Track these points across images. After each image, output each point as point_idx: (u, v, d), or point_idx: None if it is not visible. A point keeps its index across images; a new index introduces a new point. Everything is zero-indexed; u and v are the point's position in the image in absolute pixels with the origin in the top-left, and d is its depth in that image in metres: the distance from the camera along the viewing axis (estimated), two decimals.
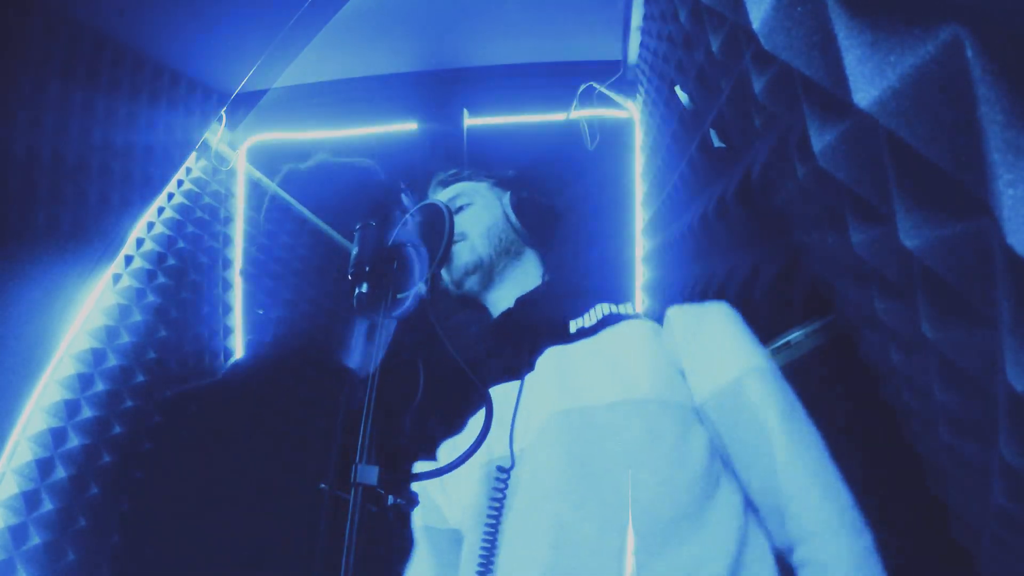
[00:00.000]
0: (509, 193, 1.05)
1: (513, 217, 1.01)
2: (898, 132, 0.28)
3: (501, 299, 0.97)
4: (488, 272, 0.97)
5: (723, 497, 0.65)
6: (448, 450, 0.87)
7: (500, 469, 0.73)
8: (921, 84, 0.27)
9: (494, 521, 0.70)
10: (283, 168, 0.87)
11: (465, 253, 0.96)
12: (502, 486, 0.72)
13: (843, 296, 0.54)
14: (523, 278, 0.99)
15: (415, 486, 0.65)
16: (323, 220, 0.78)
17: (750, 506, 0.66)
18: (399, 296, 0.71)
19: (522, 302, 0.95)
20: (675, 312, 0.76)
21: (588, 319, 0.82)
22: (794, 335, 0.67)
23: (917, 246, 0.31)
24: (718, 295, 0.87)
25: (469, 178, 1.12)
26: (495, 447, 0.77)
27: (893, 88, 0.28)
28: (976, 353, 0.33)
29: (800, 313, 0.66)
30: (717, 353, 0.71)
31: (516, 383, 0.81)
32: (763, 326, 0.73)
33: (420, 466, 0.87)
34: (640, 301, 1.56)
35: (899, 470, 0.59)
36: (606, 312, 0.82)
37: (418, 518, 0.81)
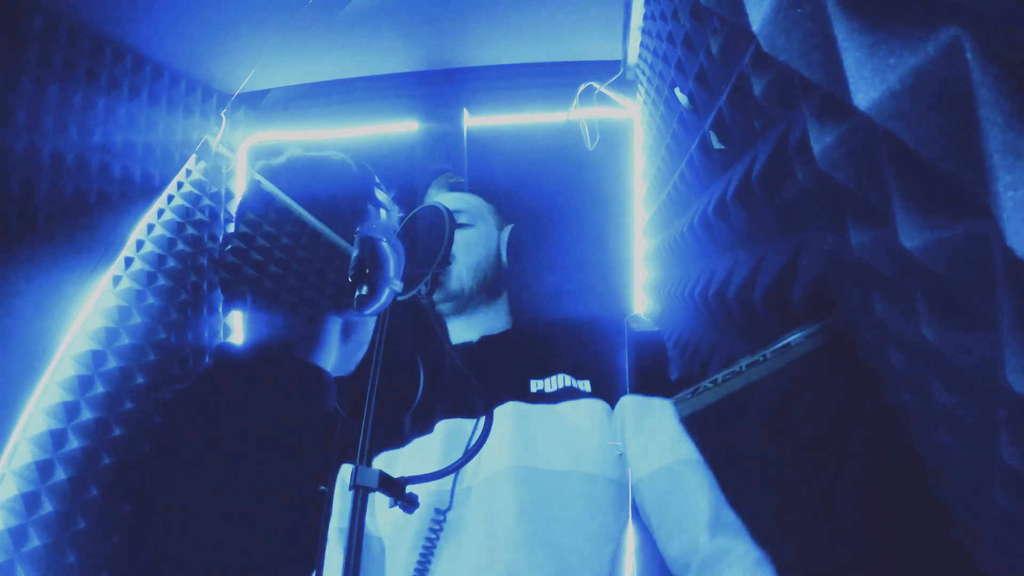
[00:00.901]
0: (511, 228, 1.06)
1: (505, 255, 1.02)
2: (898, 134, 0.28)
3: (464, 329, 1.00)
4: (464, 303, 0.99)
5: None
6: (384, 462, 0.87)
7: (437, 511, 0.78)
8: (921, 86, 0.27)
9: (426, 555, 0.76)
10: (256, 164, 0.87)
11: (452, 280, 0.98)
12: (437, 527, 0.77)
13: (843, 297, 0.54)
14: (491, 318, 1.02)
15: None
16: (296, 216, 0.77)
17: None
18: (373, 291, 0.70)
19: (486, 343, 0.97)
20: (628, 401, 0.85)
21: (549, 385, 0.89)
22: (794, 336, 0.67)
23: (917, 247, 0.31)
24: (718, 295, 0.87)
25: (477, 186, 1.14)
26: (437, 483, 0.80)
27: (893, 90, 0.28)
28: (976, 354, 0.33)
29: (800, 314, 0.66)
30: (657, 441, 0.80)
31: (468, 422, 0.84)
32: (763, 326, 0.73)
33: (385, 456, 0.87)
34: (640, 301, 1.56)
35: (899, 470, 0.59)
36: (567, 383, 0.88)
37: (336, 518, 0.81)
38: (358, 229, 0.74)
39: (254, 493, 0.70)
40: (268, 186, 0.79)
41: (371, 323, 0.84)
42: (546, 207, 1.48)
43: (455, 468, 0.76)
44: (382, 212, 0.84)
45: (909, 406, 0.48)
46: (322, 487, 0.64)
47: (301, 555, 0.66)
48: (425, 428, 0.88)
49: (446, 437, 0.84)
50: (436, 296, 0.97)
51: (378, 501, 0.84)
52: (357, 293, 0.71)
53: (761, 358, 0.72)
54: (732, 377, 0.75)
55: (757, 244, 0.78)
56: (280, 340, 0.79)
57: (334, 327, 0.81)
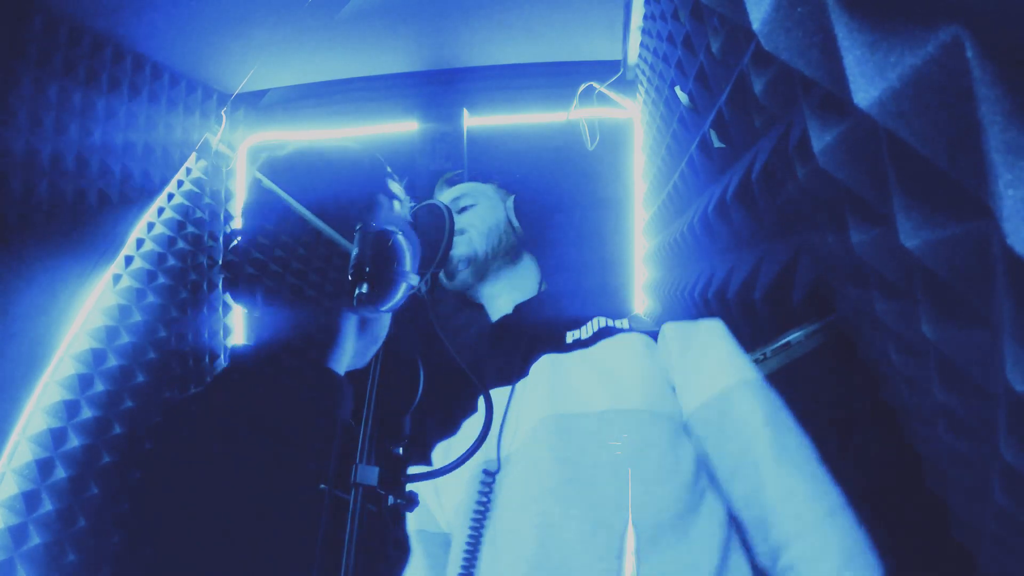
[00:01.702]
0: (513, 197, 1.06)
1: (515, 220, 1.02)
2: (898, 132, 0.28)
3: (497, 299, 0.99)
4: (482, 267, 0.99)
5: (707, 511, 0.66)
6: (442, 452, 0.87)
7: (486, 472, 0.74)
8: (921, 84, 0.27)
9: (478, 524, 0.71)
10: (260, 157, 0.86)
11: (462, 245, 0.98)
12: (487, 489, 0.73)
13: (843, 296, 0.54)
14: (520, 282, 1.00)
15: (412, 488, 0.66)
16: (306, 207, 0.76)
17: (733, 522, 0.66)
18: (390, 285, 0.69)
19: (520, 309, 0.96)
20: (669, 328, 0.78)
21: (585, 331, 0.84)
22: (794, 335, 0.67)
23: (917, 246, 0.31)
24: (718, 295, 0.87)
25: (475, 179, 1.13)
26: (483, 451, 0.77)
27: (893, 88, 0.28)
28: (976, 353, 0.33)
29: (800, 313, 0.66)
30: (706, 367, 0.72)
31: (507, 388, 0.82)
32: (763, 326, 0.73)
33: (441, 446, 0.87)
34: (640, 301, 1.56)
35: (899, 470, 0.59)
36: (602, 325, 0.84)
37: (412, 522, 0.81)
38: (358, 226, 0.74)
39: (264, 499, 0.70)
40: (267, 184, 0.78)
41: (387, 317, 0.83)
42: (546, 207, 1.48)
43: (461, 461, 0.75)
44: (395, 204, 0.83)
45: (909, 405, 0.48)
46: (322, 486, 0.63)
47: (307, 560, 0.66)
48: (470, 409, 0.87)
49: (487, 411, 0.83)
50: (450, 267, 0.97)
51: (440, 493, 0.82)
52: (357, 292, 0.71)
53: (761, 357, 0.72)
54: None
55: (757, 244, 0.78)
56: (295, 338, 0.78)
57: (350, 323, 0.80)
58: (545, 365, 0.81)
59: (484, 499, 0.72)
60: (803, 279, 0.64)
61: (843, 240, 0.43)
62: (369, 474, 0.59)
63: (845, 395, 0.67)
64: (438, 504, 0.83)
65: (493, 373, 0.88)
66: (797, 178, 0.51)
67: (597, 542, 0.63)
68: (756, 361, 0.72)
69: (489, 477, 0.73)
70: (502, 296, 0.98)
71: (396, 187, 0.84)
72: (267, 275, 0.79)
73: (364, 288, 0.69)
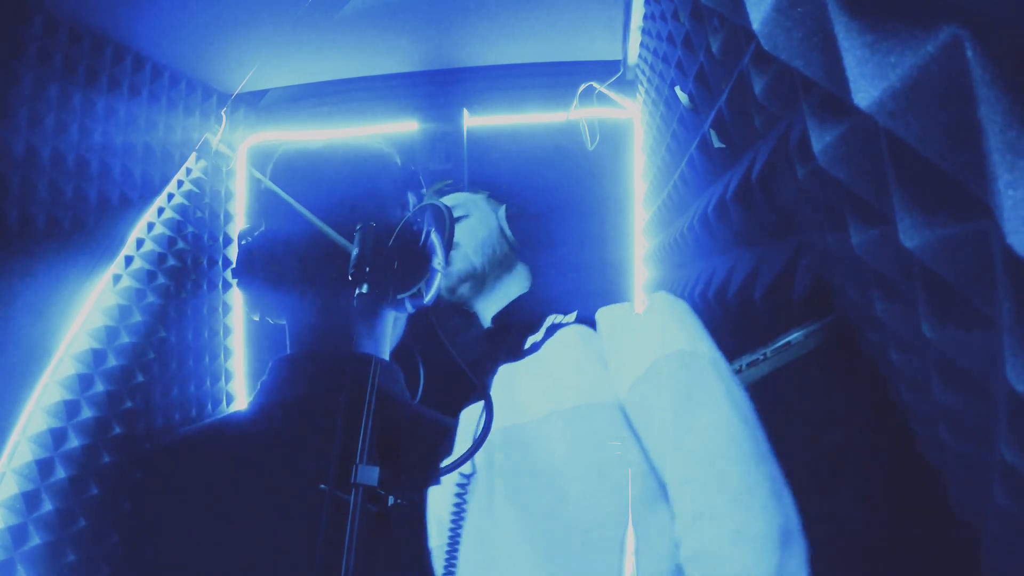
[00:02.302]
0: (504, 206, 1.07)
1: (507, 230, 1.03)
2: (898, 133, 0.28)
3: (489, 309, 1.00)
4: (481, 280, 1.00)
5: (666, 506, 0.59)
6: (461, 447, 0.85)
7: (462, 475, 0.71)
8: (921, 85, 0.27)
9: (455, 530, 0.68)
10: (282, 147, 0.86)
11: (459, 261, 0.98)
12: (462, 491, 0.70)
13: (843, 296, 0.54)
14: (514, 291, 1.01)
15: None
16: (329, 209, 0.77)
17: None
18: (428, 279, 0.71)
19: (497, 318, 0.97)
20: (602, 312, 0.74)
21: (540, 333, 0.81)
22: (794, 335, 0.67)
23: (917, 246, 0.32)
24: (718, 295, 0.87)
25: (474, 180, 1.14)
26: (458, 451, 0.77)
27: (893, 88, 0.28)
28: (976, 353, 0.33)
29: (800, 313, 0.66)
30: (638, 343, 0.66)
31: (477, 406, 0.82)
32: (763, 326, 0.73)
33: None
34: (640, 301, 1.55)
35: (899, 470, 0.59)
36: (552, 323, 0.81)
37: (432, 537, 0.78)
38: (359, 226, 0.74)
39: (276, 490, 0.70)
40: (269, 186, 0.79)
41: (404, 316, 0.84)
42: (546, 207, 1.48)
43: (456, 466, 0.75)
44: (425, 202, 0.84)
45: (909, 405, 0.48)
46: (322, 486, 0.63)
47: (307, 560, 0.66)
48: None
49: (465, 427, 0.83)
50: (449, 281, 0.98)
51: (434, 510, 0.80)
52: (357, 291, 0.71)
53: (761, 357, 0.72)
54: None
55: (757, 244, 0.78)
56: (342, 335, 0.78)
57: (389, 319, 0.82)
58: (501, 376, 0.80)
59: (460, 500, 0.70)
60: (803, 279, 0.64)
61: (843, 240, 0.43)
62: (369, 474, 0.59)
63: (845, 395, 0.67)
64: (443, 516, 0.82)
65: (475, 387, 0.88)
66: (797, 178, 0.51)
67: (531, 555, 0.59)
68: (756, 361, 0.72)
69: (464, 479, 0.71)
70: (495, 307, 1.00)
71: (421, 186, 0.86)
72: (293, 283, 0.79)
73: (364, 289, 0.70)
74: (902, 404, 0.50)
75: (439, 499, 0.75)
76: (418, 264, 0.73)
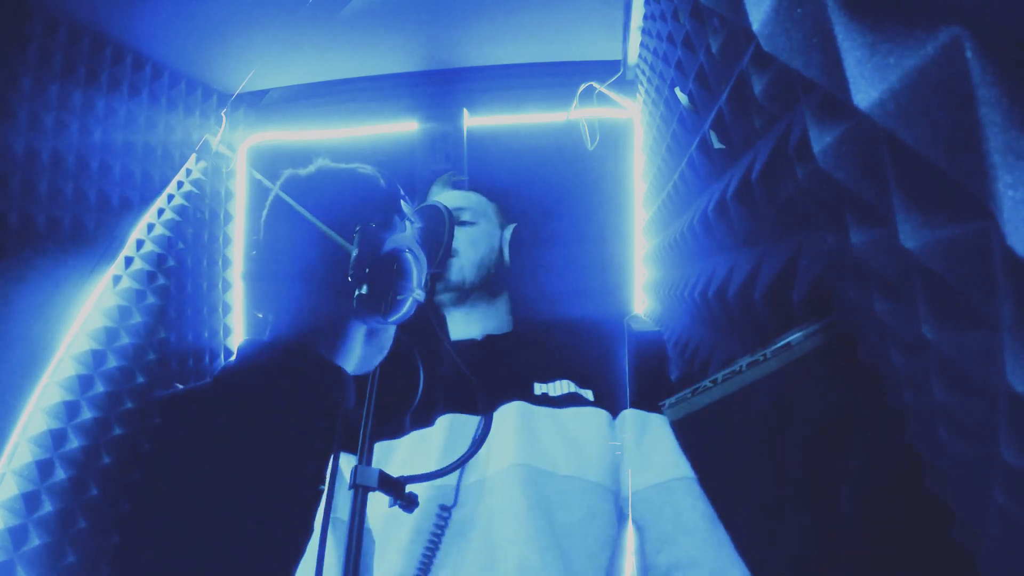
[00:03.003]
0: (513, 227, 1.06)
1: (507, 254, 1.03)
2: (898, 133, 0.28)
3: (464, 324, 1.00)
4: (464, 296, 1.00)
5: None
6: (416, 441, 0.86)
7: (442, 507, 0.77)
8: (921, 85, 0.27)
9: (428, 557, 0.74)
10: (283, 173, 0.88)
11: (453, 272, 0.98)
12: (442, 523, 0.76)
13: (843, 296, 0.54)
14: (492, 317, 1.02)
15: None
16: (327, 224, 0.78)
17: None
18: (397, 299, 0.72)
19: (491, 342, 0.98)
20: (629, 415, 0.86)
21: (553, 389, 0.89)
22: (794, 336, 0.67)
23: (917, 247, 0.32)
24: (718, 295, 0.87)
25: (477, 183, 1.14)
26: (440, 482, 0.79)
27: (893, 89, 0.28)
28: (976, 353, 0.33)
29: (800, 313, 0.66)
30: (655, 458, 0.81)
31: (470, 418, 0.84)
32: (763, 326, 0.73)
33: (381, 446, 0.87)
34: (640, 301, 1.56)
35: (899, 470, 0.59)
36: (570, 390, 0.89)
37: (337, 510, 0.81)
38: (358, 227, 0.74)
39: (269, 492, 0.70)
40: (286, 198, 0.80)
41: (392, 329, 0.85)
42: (546, 207, 1.48)
43: (459, 464, 0.76)
44: (407, 224, 0.85)
45: (909, 406, 0.48)
46: (320, 487, 0.64)
47: (300, 553, 0.66)
48: (426, 421, 0.88)
49: (448, 431, 0.84)
50: (436, 287, 0.98)
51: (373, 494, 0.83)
52: (357, 292, 0.71)
53: (761, 358, 0.72)
54: (732, 377, 0.75)
55: (757, 244, 0.78)
56: (304, 339, 0.79)
57: (358, 331, 0.82)
58: (514, 410, 0.84)
59: (439, 531, 0.76)
60: (803, 279, 0.64)
61: (843, 240, 0.43)
62: (369, 475, 0.59)
63: (845, 396, 0.67)
64: (373, 507, 0.83)
65: (453, 394, 0.89)
66: (797, 178, 0.51)
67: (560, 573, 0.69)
68: (756, 362, 0.72)
69: (445, 511, 0.77)
70: (468, 325, 1.00)
71: (407, 208, 0.86)
72: (282, 279, 0.80)
73: (364, 290, 0.70)
74: (902, 404, 0.50)
75: (393, 523, 0.76)
76: (387, 285, 0.74)
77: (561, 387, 0.89)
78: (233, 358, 0.82)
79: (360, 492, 0.58)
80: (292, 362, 0.75)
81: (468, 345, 0.97)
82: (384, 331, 0.85)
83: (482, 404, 0.86)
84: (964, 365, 0.34)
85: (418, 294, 0.75)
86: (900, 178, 0.32)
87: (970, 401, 0.36)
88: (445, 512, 0.76)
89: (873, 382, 0.56)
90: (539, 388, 0.88)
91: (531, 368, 0.91)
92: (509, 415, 0.83)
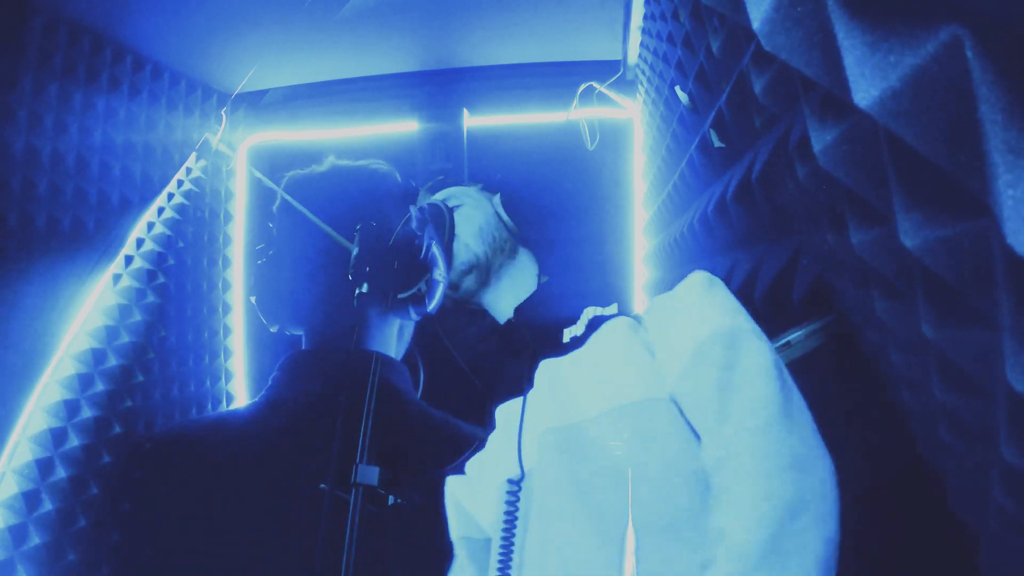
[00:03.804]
0: (498, 194, 1.06)
1: (505, 216, 1.02)
2: (898, 132, 0.28)
3: (500, 301, 0.99)
4: (485, 271, 0.98)
5: None
6: (475, 466, 0.84)
7: (511, 482, 0.70)
8: (921, 84, 0.27)
9: (508, 534, 0.68)
10: (289, 174, 0.88)
11: (461, 252, 0.97)
12: (514, 499, 0.69)
13: (843, 296, 0.54)
14: (520, 278, 1.00)
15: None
16: (337, 224, 0.79)
17: None
18: (430, 290, 0.73)
19: (520, 311, 0.96)
20: (652, 301, 0.75)
21: (579, 326, 0.82)
22: (794, 335, 0.67)
23: (917, 246, 0.31)
24: None
25: (473, 179, 1.14)
26: (504, 456, 0.76)
27: (893, 88, 0.28)
28: (976, 353, 0.33)
29: (800, 313, 0.66)
30: (680, 331, 0.66)
31: (518, 400, 0.81)
32: (763, 326, 0.73)
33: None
34: (640, 301, 1.56)
35: (899, 470, 0.59)
36: (592, 316, 0.82)
37: (455, 528, 0.78)
38: (358, 227, 0.75)
39: (276, 490, 0.71)
40: (290, 200, 0.81)
41: (412, 324, 0.86)
42: (546, 207, 1.48)
43: (447, 471, 0.76)
44: (427, 217, 0.85)
45: (909, 405, 0.48)
46: (321, 485, 0.64)
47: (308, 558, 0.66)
48: (489, 425, 0.87)
49: (506, 422, 0.82)
50: (454, 276, 0.96)
51: (477, 502, 0.80)
52: (357, 291, 0.71)
53: None
54: None
55: (757, 244, 0.78)
56: (349, 335, 0.80)
57: (395, 326, 0.83)
58: (544, 372, 0.80)
59: (512, 508, 0.69)
60: (803, 279, 0.64)
61: (843, 240, 0.43)
62: (369, 474, 0.59)
63: (845, 395, 0.67)
64: (479, 511, 0.81)
65: (507, 383, 0.88)
66: (797, 178, 0.51)
67: (608, 557, 0.59)
68: None
69: (514, 486, 0.70)
70: (504, 298, 0.98)
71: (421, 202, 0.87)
72: (307, 288, 0.82)
73: (364, 288, 0.70)
74: (902, 404, 0.50)
75: (478, 499, 0.75)
76: (416, 264, 0.74)
77: (585, 319, 0.84)
78: (283, 372, 0.82)
79: (359, 490, 0.58)
80: (356, 362, 0.75)
81: (507, 327, 0.96)
82: (409, 325, 0.86)
83: (519, 384, 0.83)
84: (964, 365, 0.34)
85: (445, 280, 0.75)
86: (900, 177, 0.32)
87: (970, 401, 0.36)
88: (514, 486, 0.71)
89: (873, 382, 0.56)
90: (567, 333, 0.83)
91: (560, 318, 0.87)
92: (540, 379, 0.79)
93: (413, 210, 0.88)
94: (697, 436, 0.62)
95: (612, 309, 0.83)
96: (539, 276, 1.02)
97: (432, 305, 0.73)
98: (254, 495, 0.72)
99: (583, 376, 0.73)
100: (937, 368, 0.38)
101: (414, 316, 0.81)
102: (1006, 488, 0.34)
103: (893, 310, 0.42)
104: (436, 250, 0.76)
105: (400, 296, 0.76)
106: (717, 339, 0.61)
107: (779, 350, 0.69)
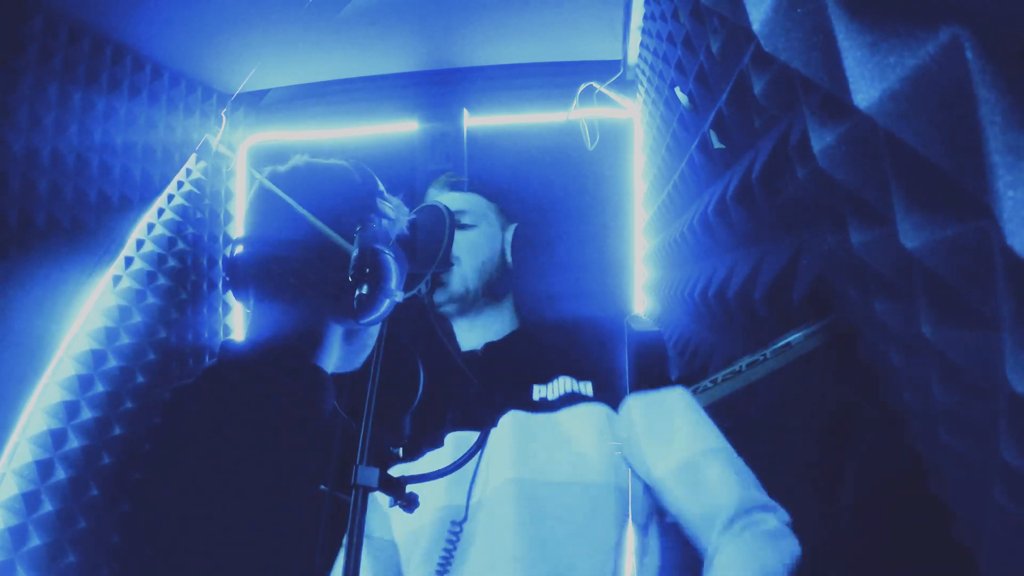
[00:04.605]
0: (514, 227, 1.04)
1: (509, 255, 1.01)
2: (898, 133, 0.28)
3: (469, 333, 0.99)
4: (469, 305, 0.98)
5: (649, 561, 0.73)
6: (431, 461, 0.86)
7: (453, 523, 0.76)
8: (921, 85, 0.27)
9: (442, 571, 0.73)
10: (263, 171, 0.87)
11: (456, 282, 0.96)
12: (454, 538, 0.75)
13: (843, 296, 0.54)
14: (496, 321, 1.01)
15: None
16: (300, 223, 0.79)
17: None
18: (373, 300, 0.72)
19: (491, 349, 0.96)
20: (635, 401, 0.80)
21: (551, 391, 0.86)
22: (794, 336, 0.67)
23: (917, 247, 0.32)
24: (718, 295, 0.87)
25: (476, 182, 1.12)
26: (451, 493, 0.79)
27: (893, 89, 0.28)
28: (976, 353, 0.33)
29: (800, 314, 0.66)
30: (676, 434, 0.75)
31: (475, 434, 0.83)
32: (763, 326, 0.73)
33: (398, 469, 0.87)
34: (640, 301, 1.56)
35: (899, 470, 0.59)
36: (568, 389, 0.86)
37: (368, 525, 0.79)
38: (358, 228, 0.75)
39: (253, 492, 0.70)
40: (272, 187, 0.79)
41: (375, 328, 0.85)
42: (546, 207, 1.48)
43: (450, 471, 0.76)
44: (384, 222, 0.83)
45: (909, 406, 0.48)
46: (322, 486, 0.64)
47: (299, 555, 0.66)
48: (437, 441, 0.87)
49: (455, 449, 0.84)
50: (440, 298, 0.96)
51: (400, 513, 0.83)
52: (357, 292, 0.71)
53: (761, 358, 0.72)
54: (732, 377, 0.75)
55: (757, 244, 0.78)
56: (281, 339, 0.79)
57: (336, 330, 0.81)
58: (513, 421, 0.82)
59: (450, 546, 0.75)
60: (803, 279, 0.64)
61: (843, 240, 0.43)
62: (369, 475, 0.58)
63: (845, 395, 0.67)
64: (396, 516, 0.83)
65: (461, 413, 0.88)
66: (797, 178, 0.51)
67: None
68: (756, 362, 0.72)
69: (456, 527, 0.76)
70: (474, 332, 0.98)
71: (387, 207, 0.85)
72: (263, 278, 0.81)
73: (364, 289, 0.70)
74: (902, 404, 0.50)
75: (415, 523, 0.76)
76: (355, 279, 0.73)
77: (559, 387, 0.87)
78: (214, 358, 0.83)
79: (360, 492, 0.58)
80: (270, 362, 0.76)
81: (469, 357, 0.97)
82: (364, 331, 0.85)
83: (486, 417, 0.85)
84: (964, 364, 0.34)
85: (397, 295, 0.74)
86: (900, 178, 0.32)
87: (970, 401, 0.36)
88: (456, 527, 0.76)
89: (873, 382, 0.56)
90: (538, 392, 0.86)
91: (530, 371, 0.89)
92: (505, 428, 0.82)
93: (387, 208, 0.86)
94: (637, 526, 0.75)
95: (587, 388, 0.86)
96: (515, 324, 1.02)
97: (369, 318, 0.73)
98: (255, 495, 0.72)
99: (554, 443, 0.80)
100: (937, 368, 0.38)
101: (358, 325, 0.80)
102: (1006, 488, 0.34)
103: (893, 310, 0.42)
104: (387, 259, 0.74)
105: (341, 303, 0.75)
106: (710, 455, 0.72)
107: (779, 351, 0.69)
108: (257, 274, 0.81)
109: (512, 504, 0.74)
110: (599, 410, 0.82)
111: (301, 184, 0.82)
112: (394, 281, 0.74)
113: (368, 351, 0.87)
